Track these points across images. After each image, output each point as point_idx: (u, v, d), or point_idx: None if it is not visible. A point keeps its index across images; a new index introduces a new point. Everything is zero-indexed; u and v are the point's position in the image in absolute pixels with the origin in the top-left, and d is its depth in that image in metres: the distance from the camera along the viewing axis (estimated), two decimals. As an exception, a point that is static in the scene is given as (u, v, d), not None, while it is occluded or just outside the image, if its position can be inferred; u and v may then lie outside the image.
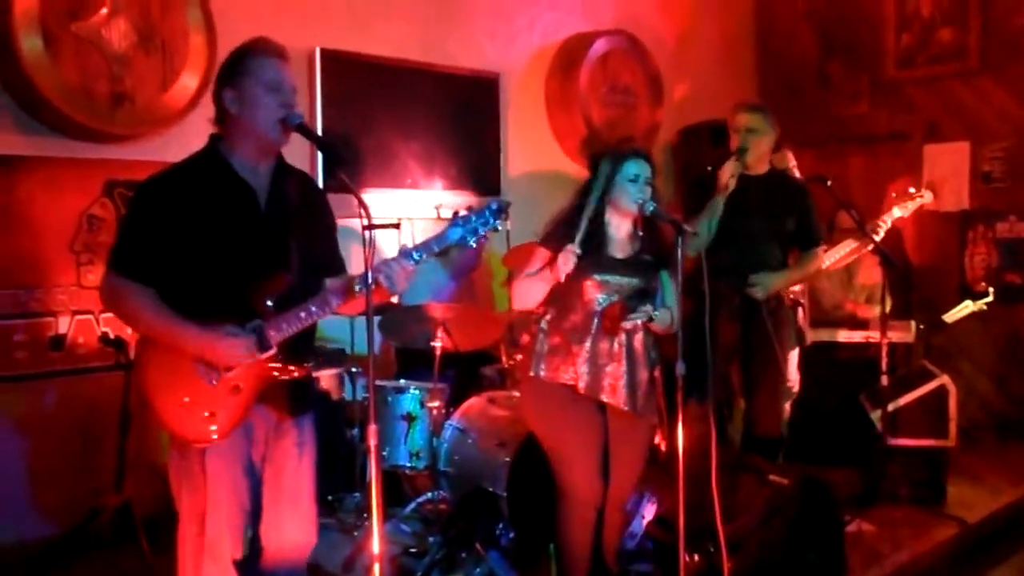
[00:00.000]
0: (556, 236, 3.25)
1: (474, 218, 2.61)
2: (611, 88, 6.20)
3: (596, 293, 3.22)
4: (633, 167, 3.26)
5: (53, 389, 4.21)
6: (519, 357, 4.27)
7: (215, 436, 2.47)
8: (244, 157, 2.56)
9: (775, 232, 4.24)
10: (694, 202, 4.21)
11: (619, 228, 3.33)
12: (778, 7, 7.57)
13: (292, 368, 2.55)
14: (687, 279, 3.26)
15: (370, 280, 2.39)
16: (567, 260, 3.11)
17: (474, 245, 2.66)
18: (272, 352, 2.49)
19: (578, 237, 3.16)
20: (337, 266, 2.78)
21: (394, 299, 4.92)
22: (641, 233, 3.34)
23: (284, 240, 2.57)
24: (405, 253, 2.57)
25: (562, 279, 3.15)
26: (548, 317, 3.31)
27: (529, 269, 3.30)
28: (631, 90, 6.32)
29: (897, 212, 4.81)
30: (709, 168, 4.20)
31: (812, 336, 5.19)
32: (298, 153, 4.20)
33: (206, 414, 2.46)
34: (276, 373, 2.52)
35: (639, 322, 3.18)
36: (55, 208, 4.19)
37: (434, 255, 2.67)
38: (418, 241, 2.67)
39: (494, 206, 2.62)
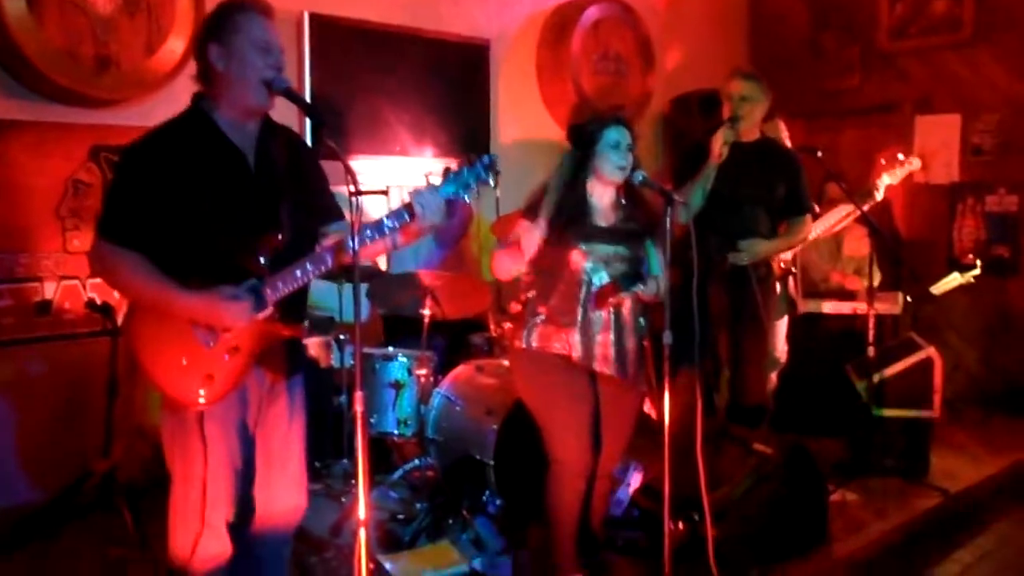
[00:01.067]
0: (537, 207, 3.24)
1: (466, 172, 2.61)
2: (602, 56, 6.16)
3: (582, 262, 3.21)
4: (614, 133, 3.25)
5: (40, 355, 4.20)
6: (508, 325, 4.29)
7: (214, 397, 2.46)
8: (230, 116, 2.53)
9: (765, 199, 4.24)
10: (685, 171, 4.19)
11: (602, 197, 3.32)
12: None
13: (288, 327, 2.55)
14: (675, 246, 3.26)
15: (355, 244, 2.37)
16: (530, 239, 3.13)
17: (468, 199, 2.65)
18: (269, 311, 2.49)
19: (543, 213, 3.17)
20: (335, 215, 2.75)
21: (382, 265, 4.96)
22: (624, 201, 3.34)
23: (275, 199, 2.55)
24: (434, 187, 2.56)
25: (526, 257, 3.16)
26: (536, 287, 3.31)
27: (510, 239, 3.28)
28: (622, 58, 6.28)
29: (887, 179, 4.80)
30: (704, 136, 4.19)
31: (801, 307, 5.20)
32: (285, 118, 4.17)
33: (204, 376, 2.45)
34: (274, 332, 2.51)
35: (617, 303, 3.19)
36: (40, 173, 4.15)
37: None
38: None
39: (485, 160, 2.63)
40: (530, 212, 3.27)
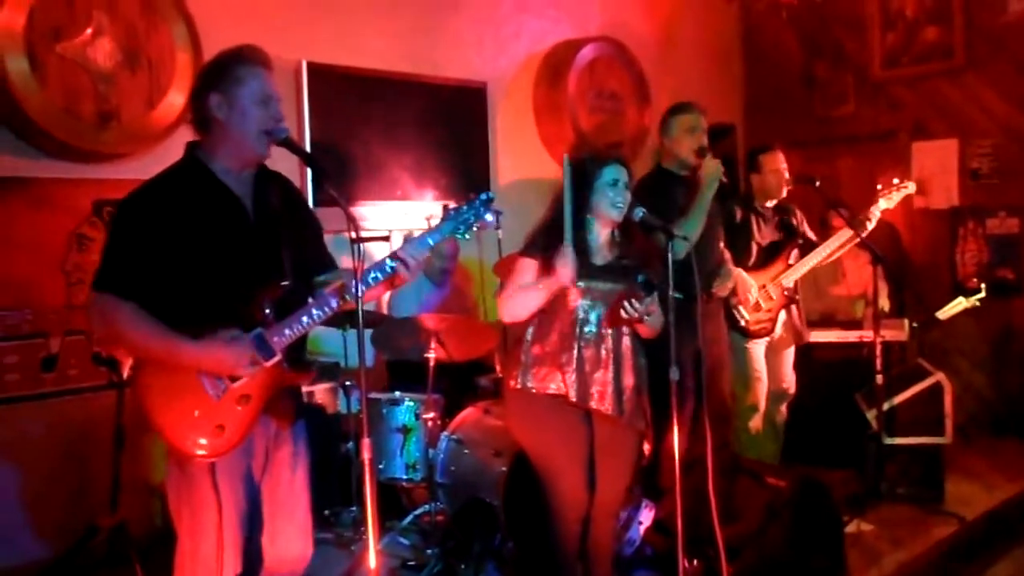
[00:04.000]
0: (541, 244, 3.24)
1: (465, 209, 2.67)
2: (598, 94, 6.20)
3: (579, 300, 3.20)
4: (612, 172, 3.26)
5: (45, 411, 4.18)
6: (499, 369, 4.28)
7: (225, 448, 2.45)
8: (226, 164, 2.54)
9: (714, 226, 4.34)
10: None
11: (599, 234, 3.31)
12: (763, 10, 7.59)
13: (298, 374, 2.55)
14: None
15: (359, 291, 2.38)
16: (566, 262, 3.08)
17: (467, 237, 2.69)
18: (278, 359, 2.48)
19: (567, 235, 3.13)
20: (328, 264, 2.77)
21: (384, 309, 4.96)
22: (619, 239, 3.34)
23: (276, 246, 2.56)
24: (420, 237, 2.61)
25: (568, 282, 3.11)
26: (531, 327, 3.28)
27: (518, 281, 3.26)
28: (618, 95, 6.33)
29: (883, 204, 4.84)
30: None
31: (807, 336, 5.19)
32: (285, 169, 4.20)
33: (215, 427, 2.44)
34: (284, 379, 2.51)
35: (635, 315, 3.09)
36: (44, 228, 4.17)
37: (429, 249, 2.68)
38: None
39: (483, 197, 2.68)
40: (534, 250, 3.26)
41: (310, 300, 2.58)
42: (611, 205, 3.24)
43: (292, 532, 2.67)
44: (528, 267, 3.26)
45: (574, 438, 3.26)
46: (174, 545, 2.56)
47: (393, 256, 2.57)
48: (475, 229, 2.70)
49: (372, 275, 2.56)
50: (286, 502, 2.66)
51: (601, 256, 3.30)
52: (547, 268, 3.19)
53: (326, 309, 2.53)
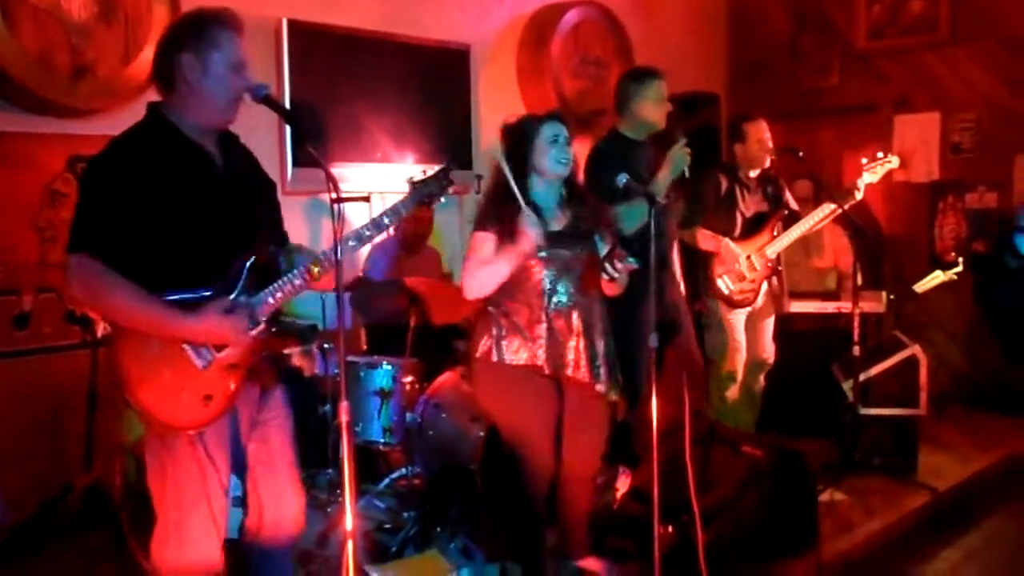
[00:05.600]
0: (494, 215, 3.18)
1: (432, 182, 2.75)
2: (582, 59, 6.16)
3: (542, 271, 3.18)
4: (551, 128, 3.21)
5: (18, 369, 4.13)
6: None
7: (212, 417, 2.42)
8: (191, 123, 2.48)
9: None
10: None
11: (546, 197, 3.26)
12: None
13: (281, 341, 2.54)
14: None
15: (339, 254, 2.35)
16: (530, 225, 3.04)
17: (433, 208, 2.77)
18: (262, 327, 2.46)
19: (520, 201, 3.09)
20: (282, 233, 2.73)
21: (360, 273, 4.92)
22: (569, 199, 3.29)
23: (249, 205, 2.53)
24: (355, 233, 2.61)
25: (538, 244, 3.07)
26: (496, 299, 3.24)
27: (477, 256, 3.19)
28: (602, 61, 6.27)
29: (867, 177, 4.83)
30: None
31: (787, 306, 5.20)
32: (265, 127, 4.14)
33: (203, 397, 2.41)
34: (267, 346, 2.50)
35: (617, 276, 3.04)
36: (17, 184, 4.10)
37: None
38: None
39: (446, 171, 2.76)
40: (488, 222, 3.20)
41: (293, 268, 2.53)
42: (555, 162, 3.20)
43: (288, 491, 2.69)
44: (484, 240, 3.19)
45: (545, 408, 3.26)
46: (150, 509, 2.52)
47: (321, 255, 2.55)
48: (442, 200, 2.79)
49: (351, 242, 2.56)
50: (279, 463, 2.66)
51: (556, 221, 3.26)
52: (504, 238, 3.13)
53: (307, 277, 2.50)
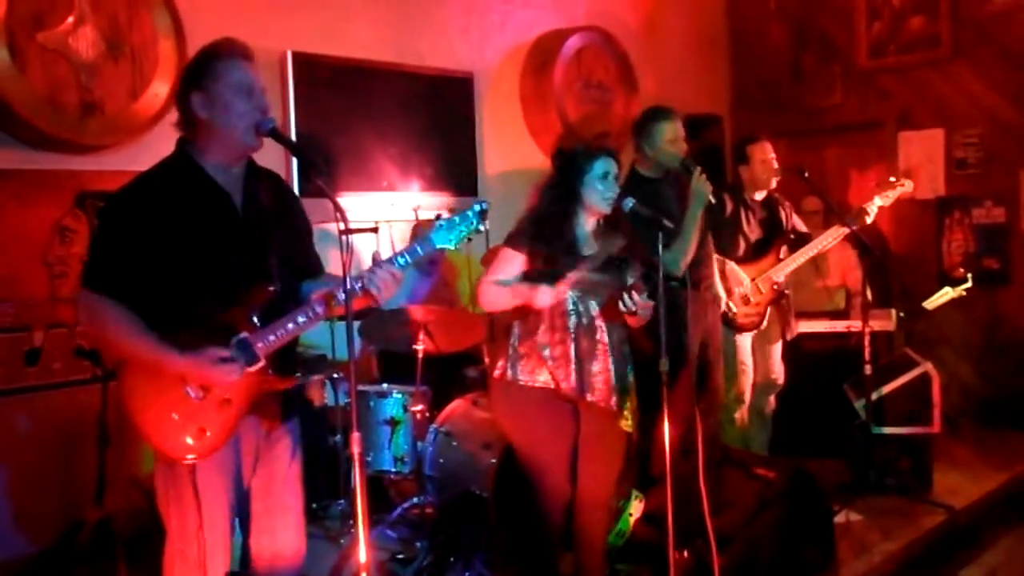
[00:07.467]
0: (528, 235, 3.21)
1: (458, 220, 2.60)
2: (585, 84, 6.18)
3: (567, 293, 3.18)
4: (602, 165, 3.23)
5: (29, 405, 4.14)
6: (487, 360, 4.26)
7: (207, 451, 2.42)
8: (216, 161, 2.51)
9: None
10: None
11: (586, 225, 3.30)
12: (750, 1, 7.58)
13: (281, 380, 2.52)
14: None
15: (348, 285, 2.35)
16: (547, 297, 3.08)
17: (459, 249, 2.65)
18: (261, 365, 2.45)
19: (525, 243, 3.15)
20: (315, 268, 2.74)
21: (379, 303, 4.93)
22: (604, 228, 3.31)
23: (264, 246, 2.53)
24: (390, 259, 2.55)
25: (539, 306, 3.10)
26: (520, 319, 3.26)
27: (498, 274, 3.23)
28: (605, 85, 6.30)
29: (879, 201, 4.82)
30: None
31: (795, 327, 5.18)
32: (272, 158, 4.15)
33: (197, 429, 2.41)
34: (267, 386, 2.48)
35: (633, 309, 3.08)
36: (27, 221, 4.12)
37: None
38: (398, 246, 2.65)
39: (476, 208, 2.62)
40: (520, 242, 3.24)
41: (298, 306, 2.53)
42: (601, 198, 3.23)
43: (290, 527, 2.66)
44: (512, 259, 3.23)
45: (562, 431, 3.26)
46: (162, 540, 2.54)
47: (371, 269, 2.52)
48: (468, 240, 2.63)
49: (359, 285, 2.50)
50: (281, 499, 2.64)
51: (589, 246, 3.28)
52: (533, 260, 3.18)
53: (311, 315, 2.50)
